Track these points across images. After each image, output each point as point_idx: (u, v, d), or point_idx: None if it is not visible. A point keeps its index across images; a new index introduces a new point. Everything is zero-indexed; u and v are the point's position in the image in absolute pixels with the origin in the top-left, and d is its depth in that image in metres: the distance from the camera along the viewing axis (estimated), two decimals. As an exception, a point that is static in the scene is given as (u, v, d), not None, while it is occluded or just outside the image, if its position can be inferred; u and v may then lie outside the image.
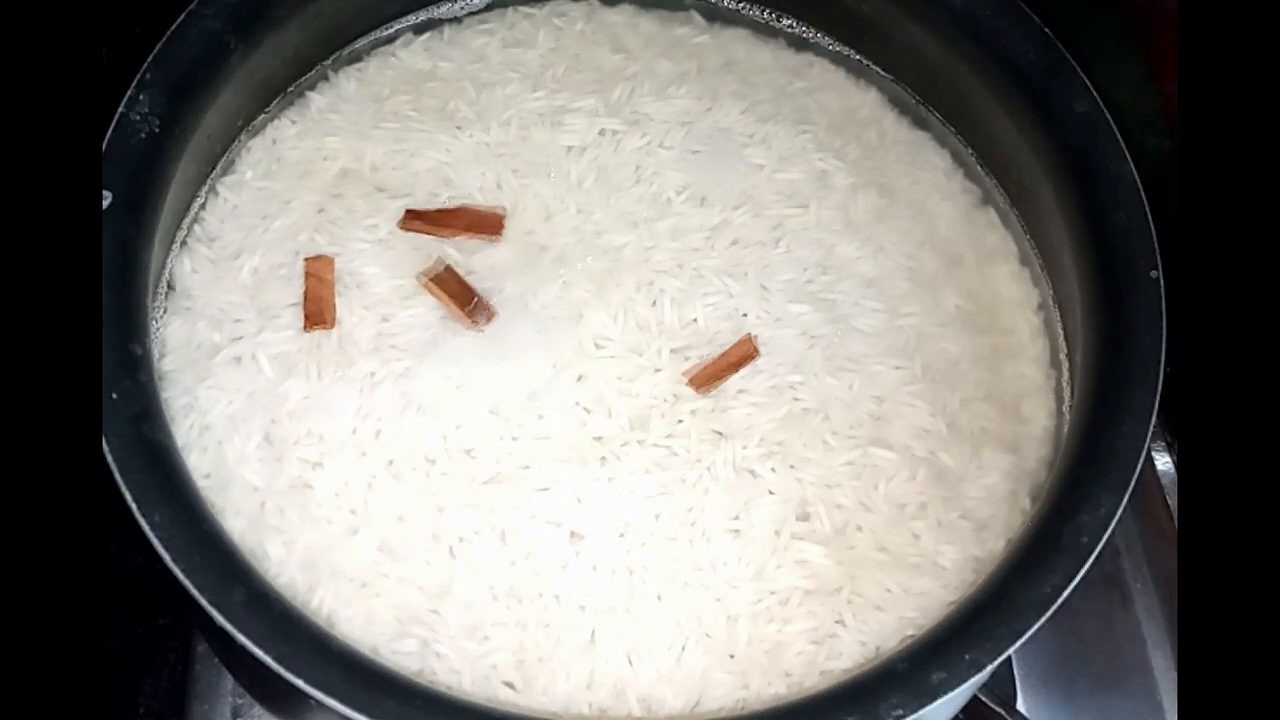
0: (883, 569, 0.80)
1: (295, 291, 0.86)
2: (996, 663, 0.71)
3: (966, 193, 0.95)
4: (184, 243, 0.87)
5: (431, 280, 0.86)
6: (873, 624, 0.79)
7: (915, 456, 0.84)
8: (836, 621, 0.79)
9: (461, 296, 0.86)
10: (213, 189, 0.89)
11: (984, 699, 0.78)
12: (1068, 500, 0.76)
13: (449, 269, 0.87)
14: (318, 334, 0.84)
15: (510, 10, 0.99)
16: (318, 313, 0.85)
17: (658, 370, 0.85)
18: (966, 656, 0.71)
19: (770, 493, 0.82)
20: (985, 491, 0.84)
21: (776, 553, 0.80)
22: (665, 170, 0.92)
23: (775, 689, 0.77)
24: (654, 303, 0.87)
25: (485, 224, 0.89)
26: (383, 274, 0.87)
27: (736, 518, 0.81)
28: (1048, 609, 0.72)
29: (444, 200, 0.90)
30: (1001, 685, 0.91)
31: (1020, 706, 0.92)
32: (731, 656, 0.78)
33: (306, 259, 0.86)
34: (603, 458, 0.82)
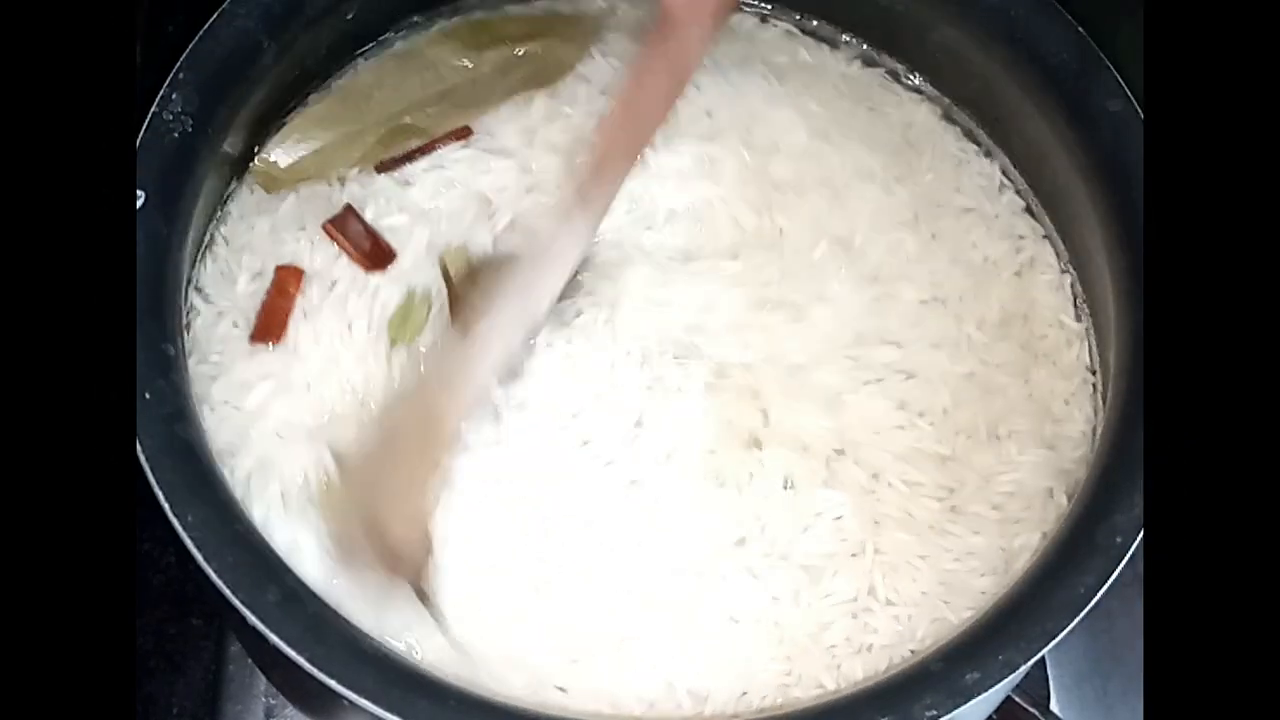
0: (920, 563, 0.81)
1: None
2: (1030, 663, 0.71)
3: (1004, 195, 0.94)
4: (213, 241, 0.87)
5: (331, 224, 0.85)
6: (908, 614, 0.79)
7: (952, 458, 0.84)
8: (870, 595, 0.80)
9: (360, 239, 0.85)
10: (242, 187, 0.89)
11: (1018, 699, 0.78)
12: (1101, 501, 0.76)
13: (348, 208, 0.86)
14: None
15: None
16: (267, 326, 0.83)
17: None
18: (1000, 657, 0.71)
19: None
20: (1016, 486, 0.83)
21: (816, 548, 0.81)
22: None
23: (820, 678, 0.77)
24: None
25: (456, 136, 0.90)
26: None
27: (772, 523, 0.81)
28: (1081, 609, 0.71)
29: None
30: (1035, 686, 0.90)
31: (1054, 707, 0.91)
32: (778, 643, 0.78)
33: (278, 267, 0.85)
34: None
